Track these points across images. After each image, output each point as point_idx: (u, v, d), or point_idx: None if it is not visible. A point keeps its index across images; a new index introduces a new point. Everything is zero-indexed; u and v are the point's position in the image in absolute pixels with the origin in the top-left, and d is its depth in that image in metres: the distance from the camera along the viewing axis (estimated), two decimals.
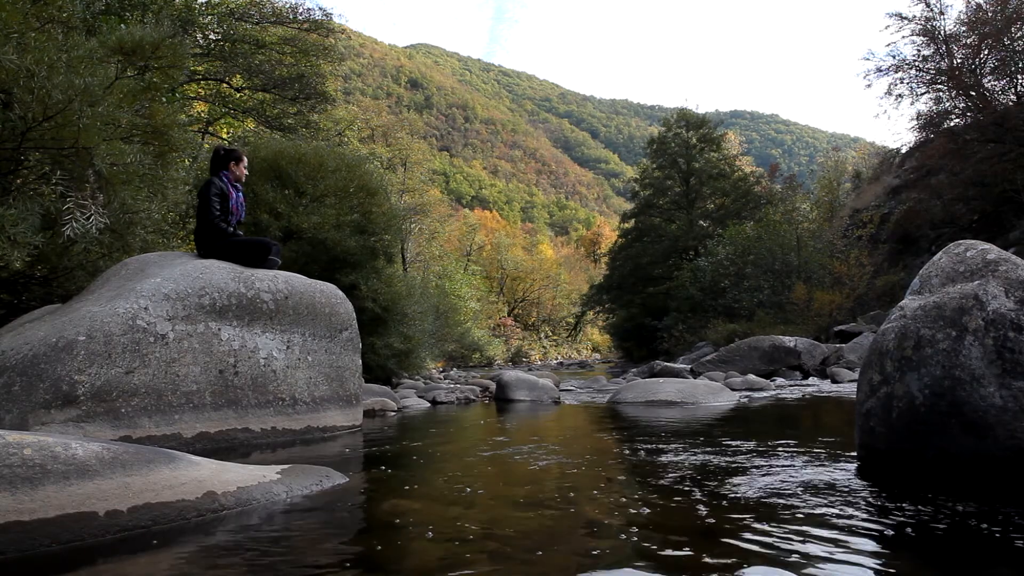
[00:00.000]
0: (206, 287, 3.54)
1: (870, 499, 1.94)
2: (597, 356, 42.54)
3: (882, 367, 2.23)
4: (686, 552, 1.47)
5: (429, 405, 6.10)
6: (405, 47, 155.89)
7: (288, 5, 13.04)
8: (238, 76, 13.12)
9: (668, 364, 11.86)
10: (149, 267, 3.68)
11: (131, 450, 1.81)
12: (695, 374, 9.66)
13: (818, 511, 1.80)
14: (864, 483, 2.16)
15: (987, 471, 1.96)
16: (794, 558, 1.40)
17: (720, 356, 11.22)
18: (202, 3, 12.44)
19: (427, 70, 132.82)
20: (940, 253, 2.40)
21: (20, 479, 1.52)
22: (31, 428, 2.76)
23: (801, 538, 1.54)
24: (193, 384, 3.31)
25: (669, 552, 1.47)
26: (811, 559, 1.39)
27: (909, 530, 1.60)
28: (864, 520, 1.70)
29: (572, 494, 2.09)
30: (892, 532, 1.60)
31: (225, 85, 13.28)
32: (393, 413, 5.36)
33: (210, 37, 12.59)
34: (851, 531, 1.60)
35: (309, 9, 13.36)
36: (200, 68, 12.30)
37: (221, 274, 3.67)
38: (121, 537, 1.61)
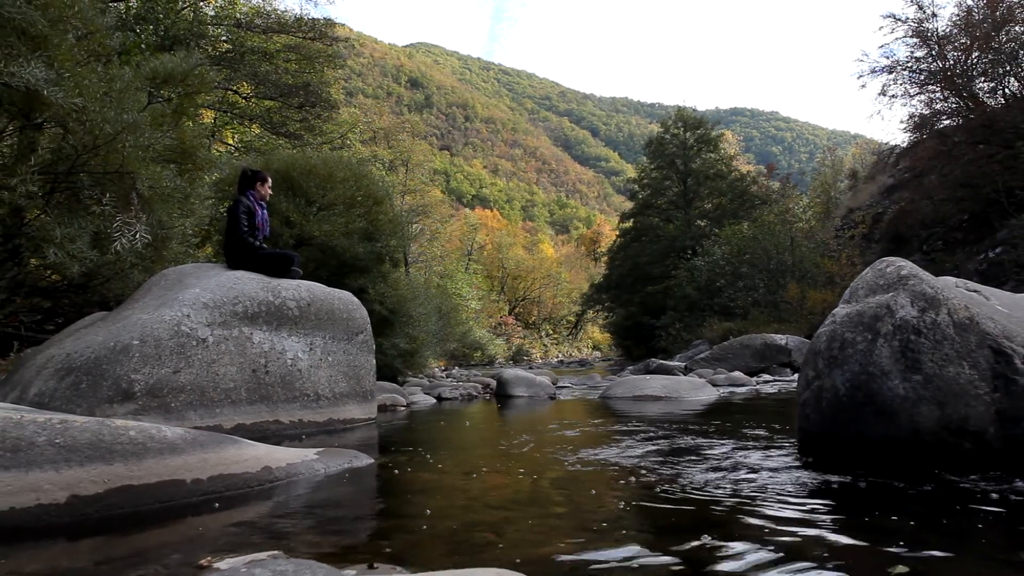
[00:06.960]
0: (239, 296, 4.01)
1: (799, 472, 2.40)
2: (597, 354, 42.99)
3: (815, 364, 2.68)
4: (647, 510, 1.93)
5: (435, 401, 6.56)
6: (405, 46, 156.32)
7: (293, 15, 13.48)
8: (245, 84, 13.54)
9: (663, 362, 12.32)
10: (186, 278, 4.15)
11: (205, 434, 2.27)
12: (688, 371, 10.11)
13: (758, 481, 2.26)
14: (798, 461, 2.62)
15: (894, 449, 2.41)
16: (731, 517, 1.86)
17: (714, 354, 11.66)
18: (210, 15, 12.89)
19: (427, 69, 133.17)
20: (867, 269, 2.85)
21: (130, 454, 1.98)
22: None
23: (740, 502, 2.00)
24: (231, 382, 3.77)
25: (633, 512, 1.93)
26: (745, 524, 1.85)
27: (826, 493, 2.06)
28: (790, 486, 2.16)
29: (556, 471, 2.55)
30: (812, 495, 2.06)
31: (231, 92, 13.71)
32: (403, 408, 5.82)
33: (219, 48, 13.03)
34: (779, 495, 2.06)
35: (314, 19, 13.76)
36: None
37: (251, 284, 4.14)
38: (204, 499, 2.07)
